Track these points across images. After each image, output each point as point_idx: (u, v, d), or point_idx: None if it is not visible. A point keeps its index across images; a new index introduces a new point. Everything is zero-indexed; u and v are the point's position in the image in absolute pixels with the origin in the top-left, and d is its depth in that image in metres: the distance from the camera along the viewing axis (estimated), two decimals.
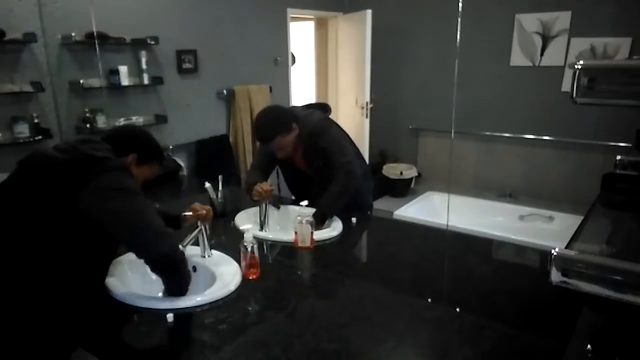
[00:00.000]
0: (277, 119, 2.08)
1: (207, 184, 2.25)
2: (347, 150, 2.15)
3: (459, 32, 3.82)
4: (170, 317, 1.37)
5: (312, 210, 1.98)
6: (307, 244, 1.88)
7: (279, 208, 2.27)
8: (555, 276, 0.91)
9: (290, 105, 4.48)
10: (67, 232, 1.30)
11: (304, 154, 2.17)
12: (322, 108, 2.30)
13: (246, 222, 2.12)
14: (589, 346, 1.07)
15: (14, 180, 1.35)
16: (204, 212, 1.74)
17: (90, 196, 1.27)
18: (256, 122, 2.11)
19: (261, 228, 2.05)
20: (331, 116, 2.32)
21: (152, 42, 3.14)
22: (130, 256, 1.49)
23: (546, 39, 3.89)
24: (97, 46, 2.83)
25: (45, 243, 1.28)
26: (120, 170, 1.35)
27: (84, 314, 1.38)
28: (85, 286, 1.41)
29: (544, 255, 1.74)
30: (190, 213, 1.76)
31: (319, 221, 1.99)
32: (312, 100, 5.40)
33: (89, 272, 1.42)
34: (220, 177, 2.32)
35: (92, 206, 1.28)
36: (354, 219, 2.14)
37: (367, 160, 3.52)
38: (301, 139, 2.11)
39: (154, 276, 1.47)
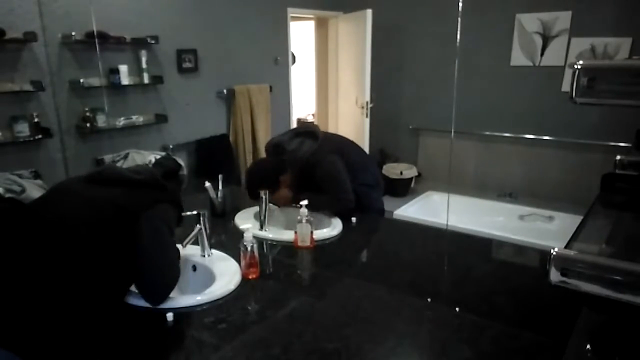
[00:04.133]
0: (262, 180, 2.12)
1: (207, 183, 2.25)
2: (341, 184, 2.13)
3: (459, 32, 3.82)
4: (170, 316, 1.37)
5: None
6: (307, 243, 1.88)
7: (278, 207, 2.27)
8: (554, 276, 0.91)
9: (290, 103, 4.50)
10: (122, 247, 1.33)
11: (296, 180, 2.20)
12: (311, 135, 2.25)
13: (246, 221, 2.12)
14: (588, 346, 1.07)
15: (86, 189, 1.40)
16: None
17: (147, 215, 1.38)
18: (246, 181, 2.19)
19: (261, 227, 2.05)
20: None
21: (153, 42, 3.14)
22: None
23: (546, 39, 3.89)
24: (97, 45, 2.84)
25: (99, 254, 1.30)
26: (175, 203, 1.56)
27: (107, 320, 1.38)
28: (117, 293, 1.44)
29: (544, 255, 1.74)
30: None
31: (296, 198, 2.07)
32: (312, 100, 5.40)
33: (124, 282, 1.43)
34: (220, 176, 2.32)
35: (143, 223, 1.36)
36: (354, 219, 2.15)
37: None
38: (293, 170, 2.16)
39: None
